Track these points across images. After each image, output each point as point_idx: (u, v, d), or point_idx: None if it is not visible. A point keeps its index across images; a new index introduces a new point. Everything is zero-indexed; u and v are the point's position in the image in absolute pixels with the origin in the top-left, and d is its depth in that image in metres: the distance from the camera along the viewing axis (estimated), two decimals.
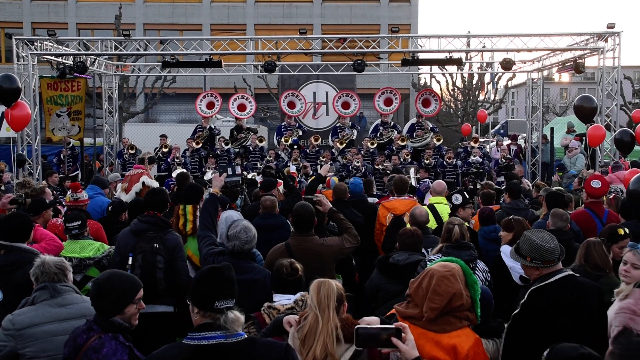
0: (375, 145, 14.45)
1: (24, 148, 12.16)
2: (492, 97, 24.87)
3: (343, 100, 15.89)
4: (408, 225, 5.33)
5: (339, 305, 2.66)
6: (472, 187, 11.15)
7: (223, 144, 14.23)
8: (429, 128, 15.33)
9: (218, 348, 2.35)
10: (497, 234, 5.47)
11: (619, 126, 12.56)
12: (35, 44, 12.23)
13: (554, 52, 13.21)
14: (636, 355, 2.07)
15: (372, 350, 2.52)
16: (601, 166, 11.17)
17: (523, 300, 3.37)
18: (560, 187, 8.61)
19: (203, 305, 2.42)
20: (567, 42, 12.55)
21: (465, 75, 23.30)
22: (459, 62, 12.69)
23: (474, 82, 24.01)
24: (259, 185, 7.69)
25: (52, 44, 12.55)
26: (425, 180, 10.17)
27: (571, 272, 3.41)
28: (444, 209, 6.57)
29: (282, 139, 14.69)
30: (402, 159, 12.98)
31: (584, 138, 13.97)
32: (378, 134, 15.23)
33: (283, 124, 15.87)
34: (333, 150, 14.43)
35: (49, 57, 12.80)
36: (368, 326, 2.42)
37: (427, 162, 12.96)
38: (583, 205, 6.83)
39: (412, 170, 10.49)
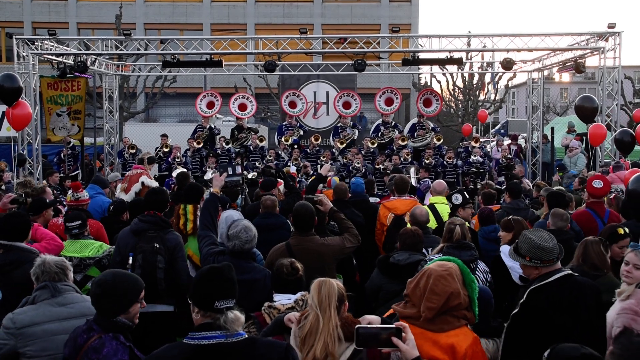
0: (376, 145, 14.45)
1: (25, 148, 12.17)
2: (492, 97, 24.86)
3: (344, 100, 15.88)
4: (408, 225, 5.33)
5: (340, 304, 2.66)
6: (472, 187, 11.14)
7: (224, 144, 14.23)
8: (430, 128, 15.33)
9: (218, 348, 2.36)
10: (496, 234, 5.46)
11: (620, 126, 12.56)
12: (36, 43, 12.23)
13: (555, 51, 13.21)
14: (637, 356, 2.06)
15: (372, 349, 2.52)
16: (602, 166, 11.17)
17: (522, 300, 3.38)
18: (560, 187, 8.61)
19: (203, 305, 2.42)
20: (567, 42, 12.54)
21: (466, 75, 23.28)
22: (459, 62, 12.68)
23: (475, 81, 23.99)
24: (259, 185, 7.69)
25: (52, 44, 12.55)
26: (426, 180, 10.17)
27: (570, 272, 3.41)
28: (444, 209, 6.57)
29: (283, 139, 14.69)
30: (402, 159, 12.98)
31: (584, 138, 13.98)
32: (379, 134, 15.23)
33: (284, 123, 15.86)
34: (333, 150, 14.42)
35: (50, 56, 12.81)
36: (368, 326, 2.42)
37: (427, 161, 12.96)
38: (584, 205, 6.83)
39: (412, 170, 10.47)
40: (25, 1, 29.60)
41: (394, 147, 14.00)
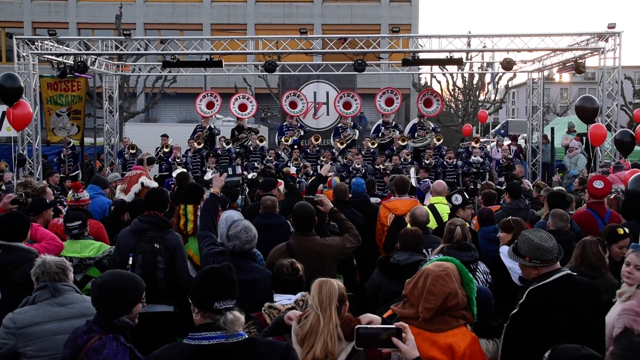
0: (376, 145, 14.45)
1: (25, 148, 12.17)
2: (492, 97, 24.86)
3: (344, 100, 15.88)
4: (409, 226, 5.33)
5: (341, 305, 2.66)
6: (472, 187, 11.15)
7: (224, 144, 14.23)
8: (431, 128, 15.32)
9: (218, 348, 2.36)
10: (496, 235, 5.46)
11: (620, 126, 12.56)
12: (36, 43, 12.23)
13: (555, 52, 13.21)
14: (637, 356, 2.06)
15: (372, 350, 2.52)
16: (601, 166, 11.16)
17: (521, 300, 3.38)
18: (561, 188, 8.61)
19: (203, 305, 2.43)
20: (567, 42, 12.55)
21: (466, 75, 23.28)
22: (459, 62, 12.69)
23: (475, 82, 24.00)
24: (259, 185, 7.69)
25: (52, 44, 12.56)
26: (426, 180, 10.17)
27: (569, 272, 3.41)
28: (444, 209, 6.57)
29: (282, 139, 14.69)
30: (402, 159, 12.98)
31: (584, 138, 13.98)
32: (380, 134, 15.23)
33: (285, 123, 15.84)
34: (333, 150, 14.43)
35: (50, 56, 12.81)
36: (368, 326, 2.42)
37: (427, 162, 12.96)
38: (584, 205, 6.83)
39: (412, 170, 10.47)
40: (25, 1, 29.60)
41: (394, 148, 14.01)
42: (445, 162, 13.32)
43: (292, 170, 11.84)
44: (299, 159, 13.16)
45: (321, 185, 7.35)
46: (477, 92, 24.45)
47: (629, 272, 3.46)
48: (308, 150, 14.37)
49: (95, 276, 4.65)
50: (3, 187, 9.07)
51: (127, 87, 21.91)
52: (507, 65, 12.85)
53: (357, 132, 15.32)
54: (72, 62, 12.69)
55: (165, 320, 4.68)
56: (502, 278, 4.75)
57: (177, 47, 18.66)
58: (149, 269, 4.64)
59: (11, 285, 3.93)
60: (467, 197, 6.49)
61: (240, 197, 6.94)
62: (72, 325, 3.11)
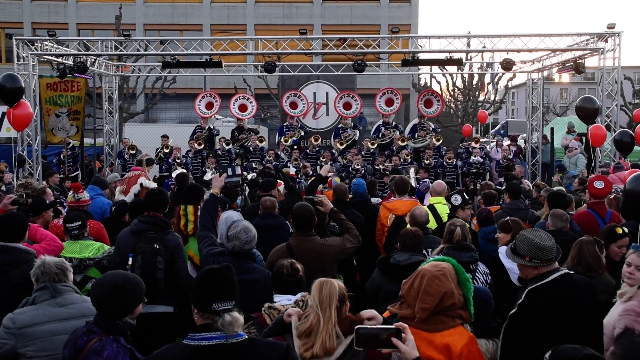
0: (376, 145, 14.45)
1: (24, 148, 12.17)
2: (492, 98, 24.87)
3: (344, 100, 15.87)
4: (408, 226, 5.33)
5: (341, 305, 2.66)
6: (472, 187, 11.15)
7: (224, 144, 14.24)
8: (431, 129, 15.32)
9: (218, 348, 2.36)
10: (496, 235, 5.46)
11: (619, 126, 12.57)
12: (36, 44, 12.23)
13: (554, 52, 13.20)
14: (638, 356, 2.06)
15: (372, 350, 2.52)
16: (600, 166, 11.17)
17: (520, 301, 3.38)
18: (561, 188, 8.61)
19: (201, 306, 2.43)
20: (567, 42, 12.55)
21: (466, 75, 23.29)
22: (459, 63, 12.69)
23: (474, 82, 24.01)
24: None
25: (52, 44, 12.56)
26: (425, 180, 10.18)
27: (567, 271, 3.41)
28: (443, 210, 6.57)
29: (282, 140, 14.69)
30: (402, 160, 12.98)
31: (584, 138, 13.98)
32: (380, 135, 15.23)
33: (285, 124, 15.83)
34: (333, 150, 14.43)
35: (49, 57, 12.81)
36: (368, 326, 2.42)
37: (427, 162, 12.96)
38: (584, 205, 6.82)
39: (411, 171, 10.48)
40: (25, 2, 29.61)
41: (394, 148, 14.01)
42: (444, 163, 13.33)
43: (292, 170, 11.84)
44: (299, 159, 13.16)
45: (321, 186, 7.35)
46: (477, 93, 24.46)
47: (630, 273, 3.45)
48: (308, 151, 14.37)
49: (95, 277, 4.65)
50: (3, 188, 9.07)
51: (127, 87, 21.91)
52: (507, 65, 12.84)
53: (357, 132, 15.32)
54: (72, 63, 12.69)
55: (165, 321, 4.68)
56: (501, 278, 4.75)
57: (176, 48, 18.60)
58: (149, 270, 4.64)
59: (10, 286, 3.93)
60: (467, 197, 6.49)
61: (240, 197, 6.94)
62: (72, 325, 3.12)
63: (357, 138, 15.18)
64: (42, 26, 27.83)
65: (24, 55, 12.05)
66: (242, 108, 15.60)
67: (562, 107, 36.04)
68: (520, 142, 16.96)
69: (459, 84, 24.54)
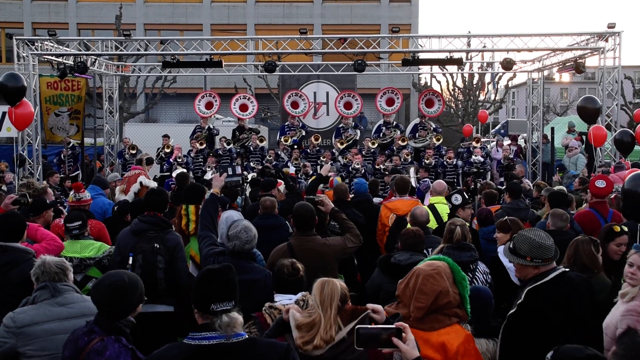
0: (377, 145, 14.45)
1: (25, 148, 12.17)
2: (492, 97, 24.87)
3: (345, 100, 15.87)
4: (409, 226, 5.32)
5: (342, 304, 2.67)
6: (473, 186, 11.14)
7: (225, 144, 14.24)
8: (432, 129, 15.32)
9: (218, 348, 2.36)
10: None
11: (620, 126, 12.56)
12: (36, 44, 12.24)
13: (555, 52, 13.21)
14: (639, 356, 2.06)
15: (373, 349, 2.52)
16: (600, 166, 11.17)
17: (520, 300, 3.37)
18: (561, 187, 8.61)
19: (200, 307, 2.43)
20: (567, 42, 12.55)
21: (466, 75, 23.28)
22: (459, 62, 12.69)
23: (475, 82, 24.01)
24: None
25: (52, 44, 12.56)
26: (425, 180, 10.18)
27: (564, 269, 3.40)
28: (444, 209, 6.56)
29: (282, 139, 14.69)
30: (402, 159, 12.98)
31: (584, 137, 13.98)
32: (381, 134, 15.24)
33: (286, 124, 15.82)
34: (334, 150, 14.43)
35: (50, 57, 12.81)
36: (369, 326, 2.42)
37: (427, 162, 12.96)
38: (585, 205, 6.82)
39: (412, 170, 10.48)
40: (25, 2, 29.61)
41: (394, 148, 14.01)
42: (445, 162, 13.32)
43: (292, 170, 11.85)
44: (299, 159, 13.16)
45: (322, 185, 7.35)
46: (477, 92, 24.46)
47: (632, 273, 3.43)
48: (308, 150, 14.38)
49: (96, 276, 4.65)
50: (4, 188, 9.07)
51: (127, 87, 21.92)
52: (507, 65, 12.85)
53: (358, 132, 15.32)
54: (72, 63, 12.69)
55: (165, 320, 4.68)
56: (501, 278, 4.74)
57: (177, 48, 18.64)
58: (149, 269, 4.64)
59: (9, 286, 3.93)
60: (467, 197, 6.48)
61: (240, 197, 6.94)
62: (72, 325, 3.12)
63: (358, 138, 15.19)
64: (43, 26, 27.83)
65: (24, 55, 12.06)
66: (243, 108, 15.60)
67: (563, 107, 36.05)
68: (521, 141, 16.96)
69: (459, 83, 24.54)
